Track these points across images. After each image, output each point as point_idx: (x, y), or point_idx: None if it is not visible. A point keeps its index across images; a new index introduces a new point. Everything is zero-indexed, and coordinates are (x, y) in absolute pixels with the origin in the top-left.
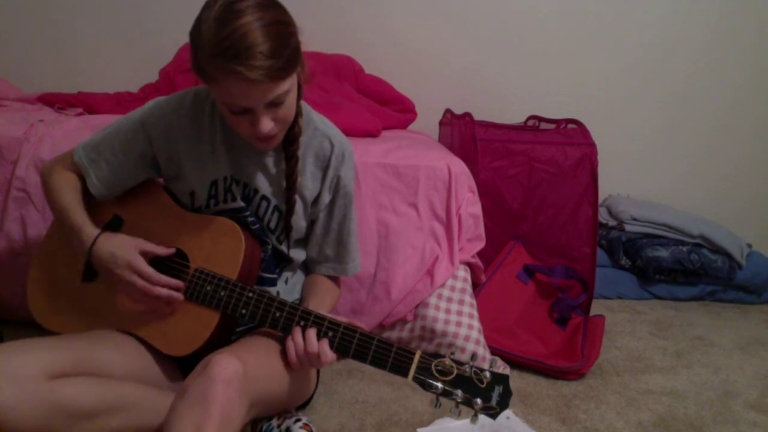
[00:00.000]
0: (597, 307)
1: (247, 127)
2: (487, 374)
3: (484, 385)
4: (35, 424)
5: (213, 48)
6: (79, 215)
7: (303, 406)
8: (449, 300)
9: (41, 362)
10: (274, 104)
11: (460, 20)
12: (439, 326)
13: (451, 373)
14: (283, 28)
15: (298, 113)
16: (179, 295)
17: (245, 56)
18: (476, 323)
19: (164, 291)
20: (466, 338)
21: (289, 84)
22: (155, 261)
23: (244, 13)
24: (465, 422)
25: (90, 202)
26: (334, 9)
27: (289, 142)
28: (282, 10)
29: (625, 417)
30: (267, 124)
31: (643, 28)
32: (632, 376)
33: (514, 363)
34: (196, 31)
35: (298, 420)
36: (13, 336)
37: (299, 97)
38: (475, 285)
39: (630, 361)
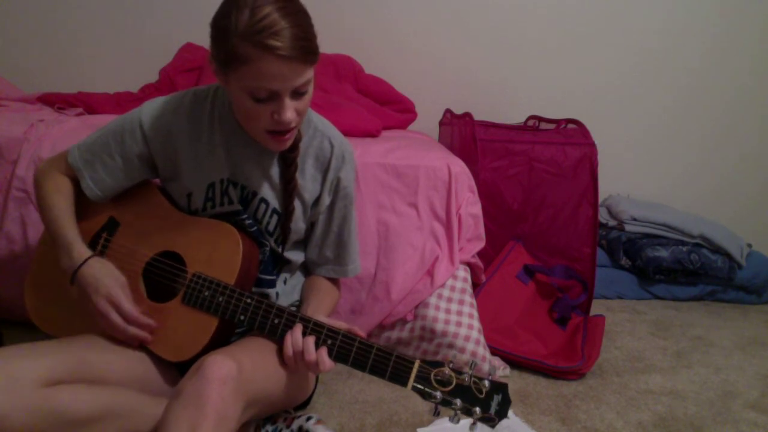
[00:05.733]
0: (597, 307)
1: (268, 118)
2: (486, 383)
3: (482, 395)
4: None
5: (250, 27)
6: (69, 230)
7: (303, 406)
8: (449, 300)
9: (38, 369)
10: (299, 93)
11: (460, 20)
12: (439, 326)
13: (450, 383)
14: (308, 19)
15: None
16: (147, 339)
17: (281, 35)
18: (476, 323)
19: (135, 331)
20: (466, 338)
21: (311, 75)
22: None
23: (271, 2)
24: (465, 422)
25: (85, 204)
26: (334, 9)
27: (290, 149)
28: (301, 3)
29: (625, 417)
30: (291, 112)
31: (643, 28)
32: (632, 376)
33: (514, 363)
34: (225, 19)
35: (310, 417)
36: (12, 336)
37: None
38: (475, 285)
39: (630, 361)
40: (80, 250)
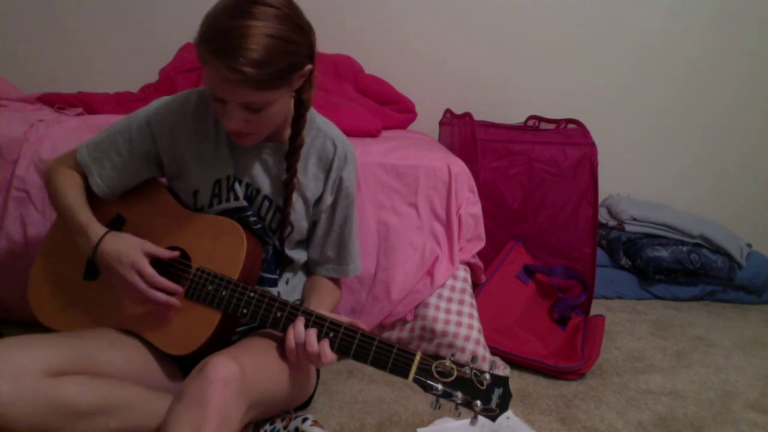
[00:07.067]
0: (597, 307)
1: (222, 117)
2: (487, 376)
3: (483, 387)
4: (33, 422)
5: (206, 33)
6: (84, 214)
7: (303, 407)
8: (449, 300)
9: (41, 359)
10: (250, 108)
11: (460, 20)
12: (439, 326)
13: (451, 375)
14: (283, 45)
15: (302, 126)
16: (176, 302)
17: (229, 55)
18: (476, 323)
19: (162, 296)
20: (466, 338)
21: (271, 97)
22: (156, 261)
23: (255, 16)
24: (465, 422)
25: (92, 202)
26: (335, 9)
27: (291, 153)
28: (295, 30)
29: (625, 417)
30: (234, 122)
31: (643, 28)
32: (632, 376)
33: (514, 363)
34: (209, 11)
35: (306, 419)
36: (12, 336)
37: (303, 111)
38: (475, 285)
39: (630, 361)
40: (96, 229)
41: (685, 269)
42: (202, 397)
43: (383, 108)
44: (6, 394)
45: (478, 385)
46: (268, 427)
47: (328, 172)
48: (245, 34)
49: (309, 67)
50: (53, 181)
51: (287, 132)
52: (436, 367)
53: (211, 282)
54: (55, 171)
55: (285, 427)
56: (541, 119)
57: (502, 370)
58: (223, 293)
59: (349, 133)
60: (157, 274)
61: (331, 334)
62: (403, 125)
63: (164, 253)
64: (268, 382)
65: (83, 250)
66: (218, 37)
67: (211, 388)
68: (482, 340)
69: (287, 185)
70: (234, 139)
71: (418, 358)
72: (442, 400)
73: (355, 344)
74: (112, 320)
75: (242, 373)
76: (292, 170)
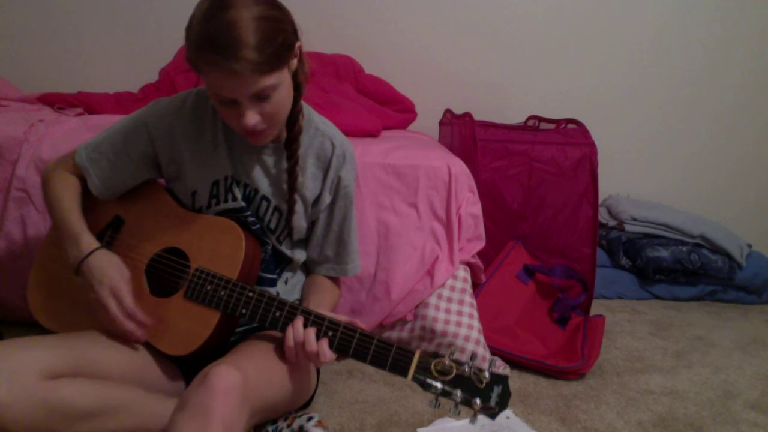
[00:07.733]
0: (597, 307)
1: (235, 119)
2: (487, 374)
3: (483, 386)
4: (32, 424)
5: (198, 39)
6: (77, 222)
7: (303, 407)
8: (449, 300)
9: (40, 361)
10: (260, 98)
11: (460, 20)
12: (439, 326)
13: (450, 373)
14: (272, 24)
15: (299, 111)
16: (142, 336)
17: (228, 48)
18: (476, 323)
19: (131, 326)
20: (466, 338)
21: (277, 80)
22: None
23: (234, 5)
24: (464, 422)
25: (91, 202)
26: (335, 9)
27: (290, 142)
28: (275, 5)
29: (625, 417)
30: (252, 118)
31: (643, 27)
32: (632, 376)
33: (514, 363)
34: (188, 23)
35: (311, 418)
36: (12, 336)
37: (299, 96)
38: (475, 285)
39: (630, 361)
40: (88, 240)
41: (685, 269)
42: (205, 407)
43: (383, 108)
44: (4, 396)
45: (478, 384)
46: (269, 426)
47: (326, 171)
48: (234, 25)
49: (299, 44)
50: (50, 185)
51: (285, 131)
52: (435, 365)
53: (209, 282)
54: (52, 175)
55: (289, 425)
56: (541, 119)
57: (502, 370)
58: (222, 293)
59: (349, 133)
60: (135, 306)
61: (330, 333)
62: (403, 125)
63: (133, 307)
64: (269, 388)
65: (70, 258)
66: (210, 39)
67: (214, 398)
68: (482, 340)
69: (290, 173)
70: (249, 138)
71: (417, 356)
72: (441, 399)
73: (354, 343)
74: None
75: (245, 381)
76: (294, 158)
